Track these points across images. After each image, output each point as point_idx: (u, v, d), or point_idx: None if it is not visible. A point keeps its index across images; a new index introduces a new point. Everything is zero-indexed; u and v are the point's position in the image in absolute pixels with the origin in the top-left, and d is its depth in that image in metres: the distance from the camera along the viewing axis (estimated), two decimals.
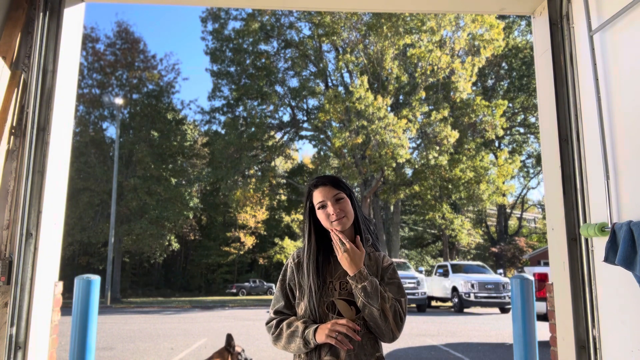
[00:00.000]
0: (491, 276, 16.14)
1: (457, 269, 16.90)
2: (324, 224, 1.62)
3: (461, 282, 15.39)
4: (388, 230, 26.46)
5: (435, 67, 20.74)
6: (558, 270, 2.25)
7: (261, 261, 32.34)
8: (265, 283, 29.43)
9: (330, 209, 1.60)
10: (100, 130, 26.57)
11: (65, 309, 2.35)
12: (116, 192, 21.78)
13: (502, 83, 27.16)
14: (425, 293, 15.59)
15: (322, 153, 24.60)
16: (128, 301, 22.52)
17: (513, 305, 2.97)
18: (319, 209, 1.62)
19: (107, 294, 20.10)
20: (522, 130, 28.38)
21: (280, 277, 1.70)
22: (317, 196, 1.64)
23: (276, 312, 1.66)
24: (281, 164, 30.74)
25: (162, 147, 26.17)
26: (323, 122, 22.35)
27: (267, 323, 1.66)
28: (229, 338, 3.33)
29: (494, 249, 30.27)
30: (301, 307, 1.61)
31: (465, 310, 15.59)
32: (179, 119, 27.72)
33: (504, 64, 26.13)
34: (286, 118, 26.39)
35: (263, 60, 25.00)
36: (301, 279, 1.63)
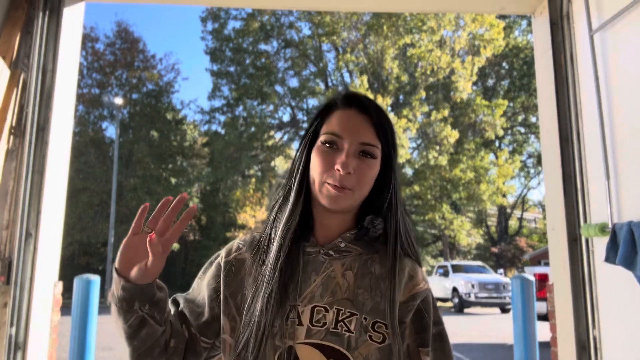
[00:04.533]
0: (491, 276, 16.14)
1: (457, 269, 16.90)
2: (313, 172, 0.88)
3: (461, 282, 15.39)
4: None
5: (436, 67, 20.74)
6: (558, 271, 2.25)
7: None
8: None
9: (342, 157, 0.85)
10: (99, 130, 26.56)
11: (65, 309, 2.34)
12: (116, 192, 21.77)
13: (502, 83, 27.16)
14: None
15: None
16: None
17: (513, 305, 2.97)
18: (324, 142, 0.88)
19: (107, 293, 20.11)
20: (522, 130, 28.38)
21: (202, 273, 0.98)
22: (335, 122, 0.89)
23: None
24: (281, 164, 30.75)
25: (162, 147, 26.16)
26: None
27: None
28: None
29: (494, 249, 30.26)
30: (227, 342, 0.87)
31: (466, 310, 15.59)
32: (178, 119, 27.70)
33: (504, 64, 26.12)
34: (286, 118, 26.40)
35: (263, 60, 24.99)
36: (244, 281, 0.91)
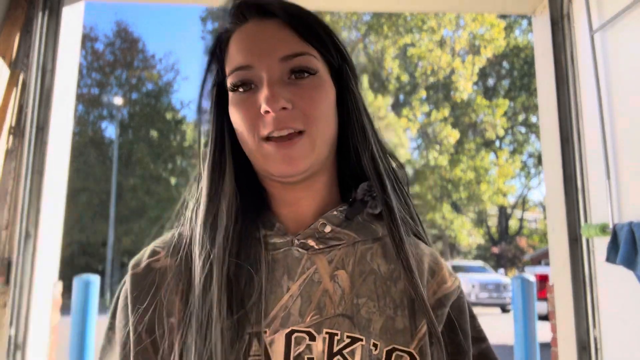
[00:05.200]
0: (492, 276, 16.15)
1: (457, 269, 16.89)
2: (243, 136, 0.57)
3: (462, 282, 15.38)
4: None
5: (436, 67, 20.75)
6: (559, 271, 2.24)
7: None
8: None
9: (264, 92, 0.53)
10: (99, 130, 26.59)
11: (65, 309, 2.34)
12: (115, 192, 21.79)
13: (503, 82, 27.16)
14: None
15: None
16: None
17: (514, 305, 2.96)
18: (234, 88, 0.57)
19: (107, 294, 20.10)
20: (523, 130, 28.38)
21: (108, 330, 0.60)
22: (235, 51, 0.58)
23: None
24: None
25: (162, 147, 26.18)
26: None
27: None
28: None
29: (494, 249, 30.27)
30: None
31: None
32: (178, 119, 27.71)
33: (505, 64, 26.12)
34: None
35: None
36: (169, 304, 0.55)
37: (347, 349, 0.52)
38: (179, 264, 0.57)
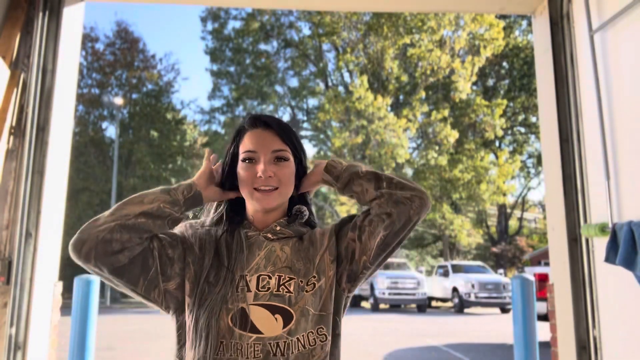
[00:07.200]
0: (491, 276, 16.13)
1: (457, 269, 16.89)
2: (242, 185, 1.10)
3: (461, 282, 15.38)
4: None
5: (436, 67, 20.75)
6: (558, 271, 2.25)
7: None
8: None
9: (261, 166, 1.07)
10: (99, 130, 26.58)
11: (65, 309, 2.34)
12: (116, 192, 21.79)
13: (503, 83, 27.16)
14: (425, 293, 15.58)
15: (322, 153, 24.60)
16: (128, 301, 22.51)
17: (513, 305, 2.96)
18: (244, 160, 1.10)
19: (107, 294, 20.10)
20: (522, 130, 28.37)
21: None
22: (248, 142, 1.11)
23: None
24: None
25: (162, 147, 26.18)
26: (323, 122, 22.35)
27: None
28: None
29: (494, 249, 30.26)
30: (187, 302, 1.05)
31: (466, 310, 15.59)
32: (178, 118, 27.71)
33: (504, 64, 26.12)
34: (286, 118, 26.39)
35: (263, 60, 25.00)
36: (203, 254, 1.09)
37: (287, 283, 1.05)
38: (203, 235, 1.12)
